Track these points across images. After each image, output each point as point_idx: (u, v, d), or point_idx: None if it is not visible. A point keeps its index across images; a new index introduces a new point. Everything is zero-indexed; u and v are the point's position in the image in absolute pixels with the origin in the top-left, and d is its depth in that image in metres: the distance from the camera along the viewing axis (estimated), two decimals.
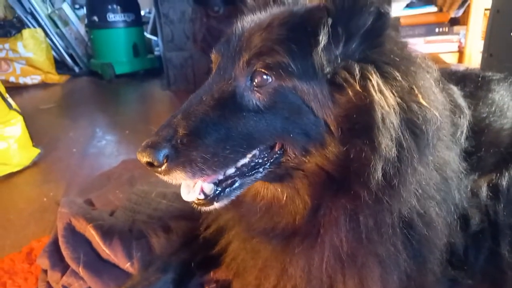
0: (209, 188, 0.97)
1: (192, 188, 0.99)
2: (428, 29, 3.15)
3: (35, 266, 1.58)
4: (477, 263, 1.22)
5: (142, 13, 6.29)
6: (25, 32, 5.51)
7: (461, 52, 3.18)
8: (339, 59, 0.92)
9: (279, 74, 0.90)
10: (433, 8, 3.24)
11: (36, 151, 2.80)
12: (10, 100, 2.75)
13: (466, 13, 3.26)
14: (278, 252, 1.10)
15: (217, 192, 0.97)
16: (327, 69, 0.91)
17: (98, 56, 5.84)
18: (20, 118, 2.71)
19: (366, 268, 1.02)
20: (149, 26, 6.72)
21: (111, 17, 5.50)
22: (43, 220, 1.99)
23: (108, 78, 5.57)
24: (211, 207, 0.99)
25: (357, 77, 0.89)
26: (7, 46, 5.43)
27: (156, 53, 6.37)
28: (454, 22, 3.42)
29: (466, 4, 3.27)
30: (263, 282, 1.16)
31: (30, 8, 5.82)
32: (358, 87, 0.89)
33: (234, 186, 0.99)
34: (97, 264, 1.42)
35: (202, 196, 0.97)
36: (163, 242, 1.45)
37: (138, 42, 5.79)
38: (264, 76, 0.92)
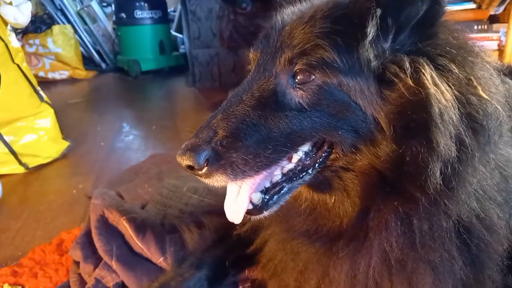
0: (256, 197, 0.93)
1: (237, 202, 0.94)
2: (467, 26, 3.02)
3: (66, 258, 1.57)
4: None
5: None
6: (55, 28, 5.65)
7: (501, 50, 3.03)
8: (388, 52, 0.86)
9: (323, 70, 0.85)
10: (471, 5, 3.10)
11: (65, 144, 2.83)
12: (41, 92, 2.78)
13: (507, 10, 3.10)
14: (320, 255, 1.04)
15: (265, 201, 0.93)
16: (375, 64, 0.85)
17: (125, 53, 5.91)
18: (51, 111, 2.75)
19: (417, 275, 0.95)
20: (174, 24, 6.77)
21: (138, 14, 5.56)
22: (72, 212, 2.00)
23: (134, 74, 5.63)
24: (261, 216, 0.95)
25: (408, 71, 0.82)
26: (37, 41, 5.58)
27: (181, 50, 6.41)
28: (493, 19, 3.27)
29: (507, 2, 3.12)
30: (303, 285, 1.11)
31: (60, 5, 5.95)
32: (410, 82, 0.82)
33: (282, 192, 0.94)
34: (130, 258, 1.40)
35: (251, 206, 0.93)
36: (196, 238, 1.41)
37: (164, 39, 5.84)
38: (307, 73, 0.87)
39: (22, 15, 2.48)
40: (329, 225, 0.99)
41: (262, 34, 1.00)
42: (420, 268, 0.94)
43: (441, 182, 0.82)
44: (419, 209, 0.87)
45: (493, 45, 3.08)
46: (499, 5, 3.17)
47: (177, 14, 6.74)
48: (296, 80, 0.88)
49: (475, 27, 3.17)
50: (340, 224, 0.97)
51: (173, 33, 6.57)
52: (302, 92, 0.87)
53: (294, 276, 1.13)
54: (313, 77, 0.86)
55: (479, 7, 3.16)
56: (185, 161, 0.84)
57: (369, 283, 0.97)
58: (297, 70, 0.88)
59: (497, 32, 3.16)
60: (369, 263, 0.95)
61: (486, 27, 3.19)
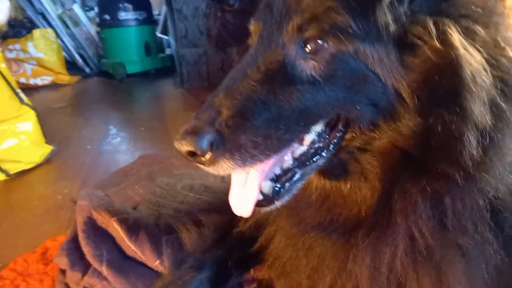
0: (267, 186, 0.84)
1: (245, 192, 0.85)
2: None
3: (51, 267, 1.47)
4: None
5: None
6: (36, 32, 5.49)
7: None
8: (406, 15, 0.78)
9: (337, 37, 0.76)
10: None
11: (49, 148, 2.70)
12: (22, 95, 2.64)
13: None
14: (337, 248, 0.95)
15: (276, 189, 0.85)
16: (393, 28, 0.77)
17: (110, 56, 5.78)
18: (32, 113, 2.62)
19: (446, 263, 0.87)
20: (160, 26, 6.68)
21: (122, 15, 5.44)
22: (58, 218, 1.90)
23: (119, 77, 5.51)
24: (272, 207, 0.86)
25: (434, 32, 0.75)
26: (17, 46, 5.41)
27: (167, 52, 6.31)
28: None
29: None
30: (317, 282, 1.01)
31: (40, 9, 5.79)
32: (437, 43, 0.74)
33: (294, 179, 0.85)
34: (122, 262, 1.29)
35: (261, 197, 0.84)
36: (195, 238, 1.31)
37: (150, 41, 5.73)
38: (319, 41, 0.78)
39: None
40: (346, 214, 0.91)
41: (263, 4, 0.90)
42: (449, 254, 0.86)
43: (480, 153, 0.75)
44: (452, 187, 0.79)
45: None
46: None
47: (162, 16, 6.65)
48: (307, 50, 0.79)
49: None
50: (359, 213, 0.89)
51: (159, 35, 6.47)
52: (314, 62, 0.79)
53: (307, 273, 1.03)
54: (326, 45, 0.77)
55: None
56: (185, 147, 0.73)
57: (391, 275, 0.88)
58: (308, 38, 0.79)
59: None
60: (396, 252, 0.86)
61: None
